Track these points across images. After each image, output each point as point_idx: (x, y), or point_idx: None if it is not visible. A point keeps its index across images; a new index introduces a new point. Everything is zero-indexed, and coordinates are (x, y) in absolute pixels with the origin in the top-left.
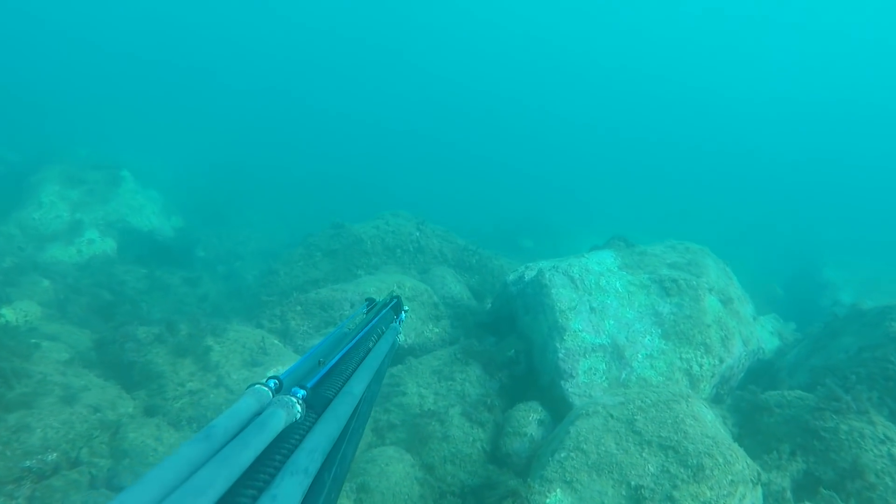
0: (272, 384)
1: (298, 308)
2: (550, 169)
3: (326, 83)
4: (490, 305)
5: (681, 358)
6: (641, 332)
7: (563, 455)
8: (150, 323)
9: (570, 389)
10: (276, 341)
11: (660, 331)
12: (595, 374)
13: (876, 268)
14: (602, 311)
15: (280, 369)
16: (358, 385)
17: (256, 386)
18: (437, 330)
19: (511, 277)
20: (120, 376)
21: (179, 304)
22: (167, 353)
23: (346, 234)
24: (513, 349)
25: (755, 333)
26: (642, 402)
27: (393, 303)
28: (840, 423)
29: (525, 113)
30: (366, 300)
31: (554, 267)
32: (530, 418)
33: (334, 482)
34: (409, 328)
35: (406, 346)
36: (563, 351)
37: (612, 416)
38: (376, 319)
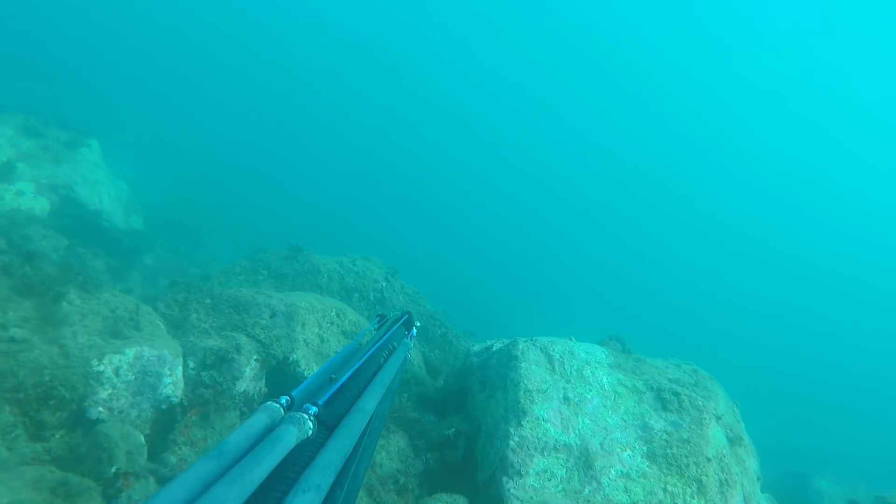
0: (284, 401)
1: (207, 301)
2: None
3: (326, 111)
4: (442, 383)
5: (665, 489)
6: (622, 444)
7: None
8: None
9: (512, 491)
10: (158, 322)
11: (645, 449)
12: (550, 480)
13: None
14: (578, 406)
15: (145, 351)
16: (370, 401)
17: (268, 403)
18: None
19: (476, 347)
20: None
21: None
22: (5, 286)
23: (304, 260)
24: (453, 429)
25: (759, 499)
26: None
27: (404, 319)
28: None
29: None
30: (377, 316)
31: (531, 340)
32: None
33: (347, 499)
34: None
35: None
36: (516, 438)
37: None
38: (388, 335)
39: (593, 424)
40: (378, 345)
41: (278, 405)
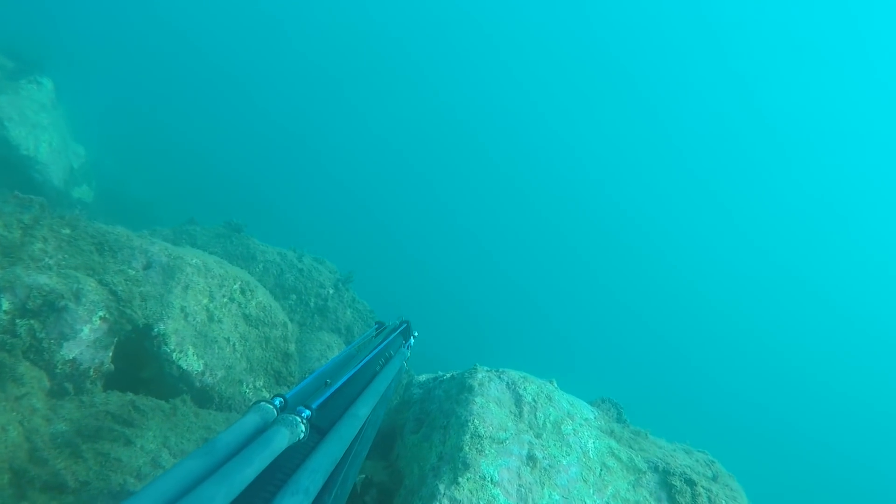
0: (277, 402)
1: (65, 231)
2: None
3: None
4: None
5: None
6: None
7: None
8: None
9: None
10: None
11: None
12: None
13: None
14: (547, 472)
15: None
16: (363, 408)
17: (261, 403)
18: (266, 395)
19: (423, 377)
20: None
21: None
22: None
23: (239, 242)
24: (363, 476)
25: None
26: None
27: (402, 328)
28: None
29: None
30: (375, 323)
31: (496, 370)
32: None
33: (335, 503)
34: (221, 362)
35: (207, 388)
36: (445, 503)
37: None
38: (385, 343)
39: (564, 503)
40: (375, 352)
41: (271, 406)
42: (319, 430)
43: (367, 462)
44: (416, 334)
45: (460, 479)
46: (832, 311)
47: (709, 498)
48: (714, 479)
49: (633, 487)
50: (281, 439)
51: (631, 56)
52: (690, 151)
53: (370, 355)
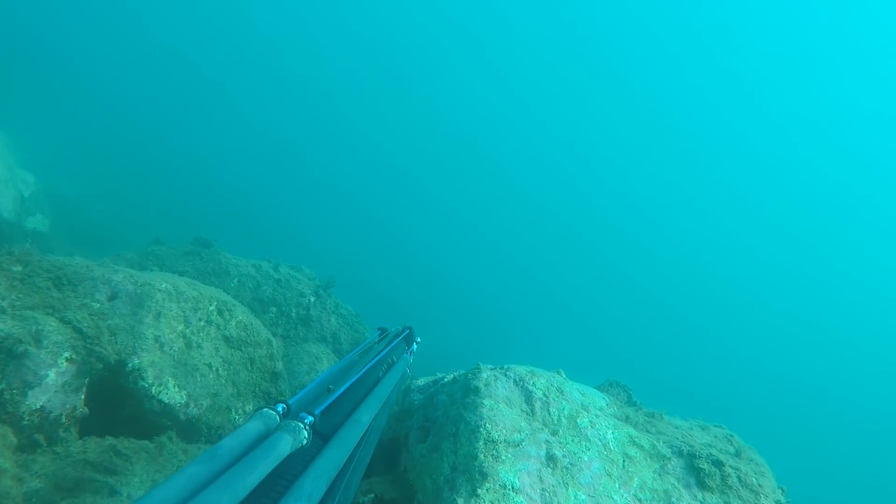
0: (280, 408)
1: (17, 268)
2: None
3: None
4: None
5: None
6: None
7: None
8: None
9: None
10: None
11: None
12: None
13: None
14: (569, 471)
15: None
16: (366, 414)
17: (264, 409)
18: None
19: (422, 381)
20: None
21: None
22: None
23: (210, 258)
24: (371, 495)
25: None
26: None
27: (405, 333)
28: None
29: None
30: (378, 329)
31: (501, 368)
32: None
33: None
34: (205, 390)
35: (193, 420)
36: None
37: None
38: (388, 349)
39: (591, 503)
40: (378, 358)
41: (274, 412)
42: (322, 436)
43: (375, 478)
44: (419, 340)
45: (479, 491)
46: (835, 276)
47: (738, 478)
48: (738, 455)
49: (660, 476)
50: (284, 445)
51: (636, 48)
52: (686, 134)
53: (373, 361)
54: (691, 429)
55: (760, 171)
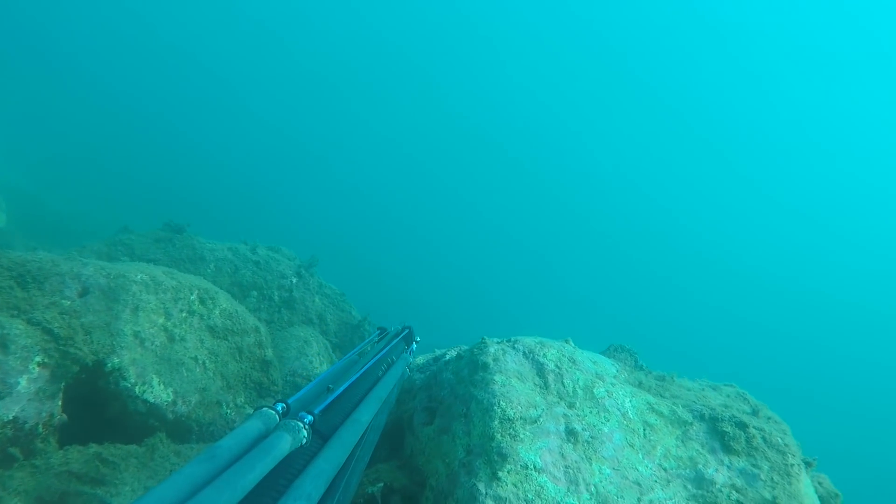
0: (279, 408)
1: None
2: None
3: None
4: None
5: None
6: None
7: None
8: None
9: None
10: None
11: None
12: None
13: None
14: (590, 445)
15: None
16: (366, 413)
17: (264, 409)
18: (250, 412)
19: (422, 360)
20: None
21: None
22: None
23: (183, 244)
24: (381, 484)
25: None
26: None
27: (405, 333)
28: None
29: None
30: (378, 328)
31: (508, 341)
32: None
33: None
34: (192, 386)
35: (182, 419)
36: (490, 503)
37: None
38: (387, 349)
39: (618, 477)
40: (377, 357)
41: (274, 412)
42: (322, 435)
43: (381, 465)
44: (418, 339)
45: (500, 473)
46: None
47: (763, 438)
48: (755, 413)
49: (683, 442)
50: (283, 445)
51: (643, 34)
52: (682, 111)
53: (372, 360)
54: (703, 390)
55: (755, 144)
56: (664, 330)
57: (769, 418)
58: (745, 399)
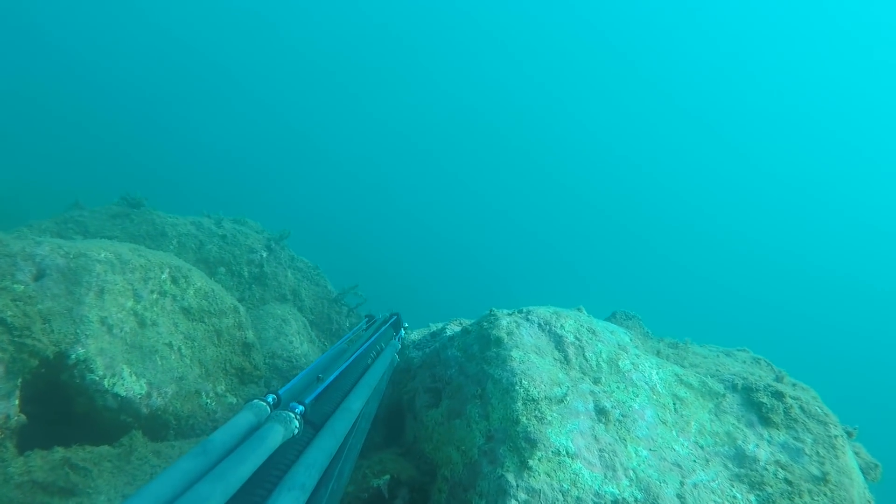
0: (270, 399)
1: None
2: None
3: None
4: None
5: None
6: (715, 494)
7: None
8: None
9: None
10: None
11: (752, 498)
12: None
13: None
14: (622, 424)
15: None
16: (356, 401)
17: (255, 401)
18: (232, 400)
19: (416, 336)
20: None
21: None
22: None
23: (142, 219)
24: (387, 476)
25: None
26: None
27: (393, 320)
28: None
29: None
30: (365, 316)
31: (520, 312)
32: None
33: (331, 498)
34: (168, 375)
35: (158, 412)
36: (523, 496)
37: None
38: (376, 336)
39: (656, 459)
40: (366, 345)
41: (265, 403)
42: (313, 425)
43: (384, 454)
44: (406, 326)
45: (531, 462)
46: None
47: (801, 408)
48: (779, 380)
49: (717, 416)
50: (275, 436)
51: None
52: (672, 75)
53: (361, 348)
54: (717, 356)
55: (759, 120)
56: (651, 298)
57: (794, 384)
58: (760, 364)
